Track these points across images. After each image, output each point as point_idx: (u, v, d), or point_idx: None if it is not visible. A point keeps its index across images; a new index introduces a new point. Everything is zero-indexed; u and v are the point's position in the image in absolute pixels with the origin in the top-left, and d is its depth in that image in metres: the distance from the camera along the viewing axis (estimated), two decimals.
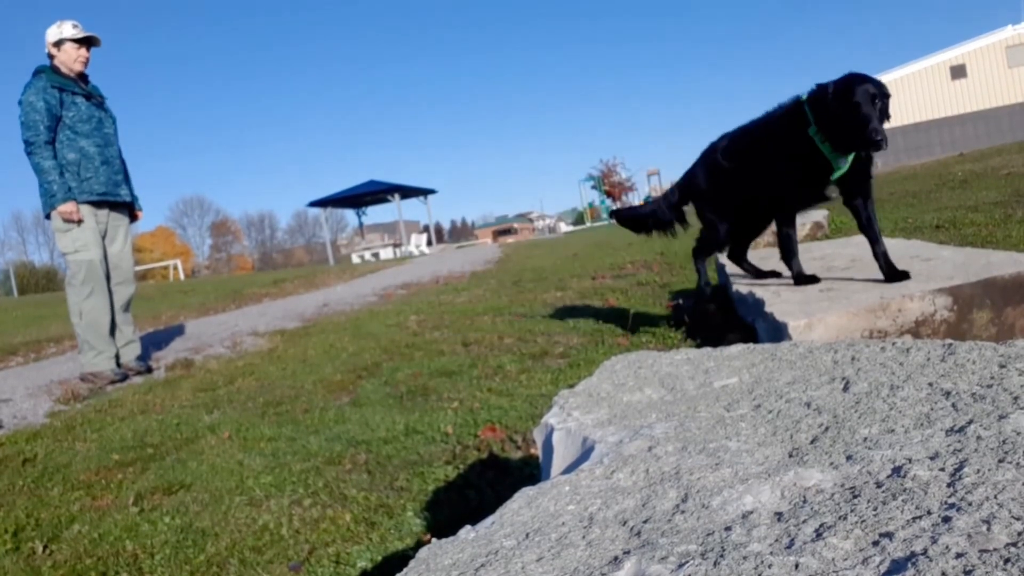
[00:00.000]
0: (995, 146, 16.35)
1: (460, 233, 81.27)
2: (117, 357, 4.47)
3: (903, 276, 2.61)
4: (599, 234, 16.44)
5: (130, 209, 4.59)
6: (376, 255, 30.71)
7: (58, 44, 4.22)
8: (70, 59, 4.22)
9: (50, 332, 7.50)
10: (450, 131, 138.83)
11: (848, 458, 0.83)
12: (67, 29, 4.23)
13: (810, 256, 3.56)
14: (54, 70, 4.22)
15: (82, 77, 4.35)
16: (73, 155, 4.18)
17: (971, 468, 0.73)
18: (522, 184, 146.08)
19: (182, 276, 29.00)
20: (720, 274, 4.56)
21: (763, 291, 2.94)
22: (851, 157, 2.71)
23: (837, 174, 2.74)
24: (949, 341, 1.25)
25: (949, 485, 0.71)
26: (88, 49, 4.31)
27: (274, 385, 3.98)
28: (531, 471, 2.26)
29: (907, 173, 11.23)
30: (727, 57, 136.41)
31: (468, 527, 0.89)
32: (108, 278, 4.39)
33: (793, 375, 1.23)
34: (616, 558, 0.70)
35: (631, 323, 4.00)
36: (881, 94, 2.59)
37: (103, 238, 4.37)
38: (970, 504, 0.65)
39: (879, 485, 0.74)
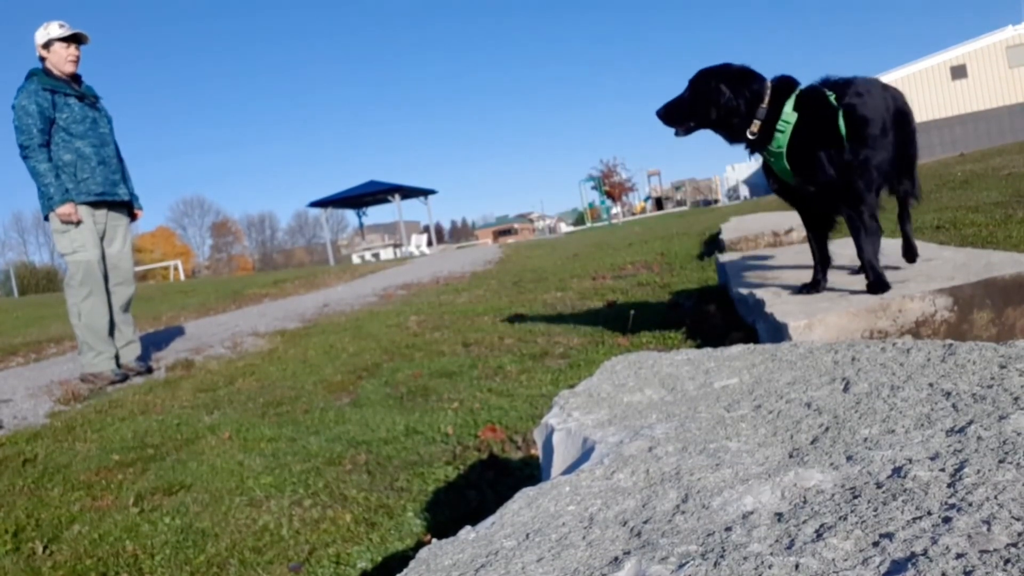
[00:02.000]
0: (996, 146, 16.35)
1: (460, 233, 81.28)
2: (117, 357, 4.47)
3: (881, 288, 2.51)
4: (599, 234, 16.44)
5: (129, 208, 4.59)
6: (376, 255, 30.72)
7: (47, 46, 4.20)
8: (60, 60, 4.21)
9: (50, 332, 7.50)
10: (450, 131, 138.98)
11: (848, 458, 0.83)
12: (53, 29, 4.21)
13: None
14: (46, 73, 4.21)
15: (75, 78, 4.34)
16: (69, 156, 4.18)
17: (971, 468, 0.73)
18: (522, 184, 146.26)
19: (182, 276, 29.00)
20: (720, 274, 4.56)
21: (763, 291, 2.94)
22: (772, 153, 2.62)
23: (778, 167, 2.66)
24: (949, 341, 1.25)
25: (949, 486, 0.71)
26: (77, 47, 4.29)
27: (274, 386, 3.98)
28: (531, 471, 2.26)
29: None
30: (727, 57, 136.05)
31: (468, 527, 0.89)
32: (107, 279, 4.39)
33: (793, 375, 1.23)
34: (616, 558, 0.70)
35: (631, 323, 4.00)
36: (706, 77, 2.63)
37: (102, 239, 4.37)
38: (970, 505, 0.65)
39: (879, 486, 0.74)
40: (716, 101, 2.59)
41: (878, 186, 2.71)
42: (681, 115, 2.71)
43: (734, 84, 2.59)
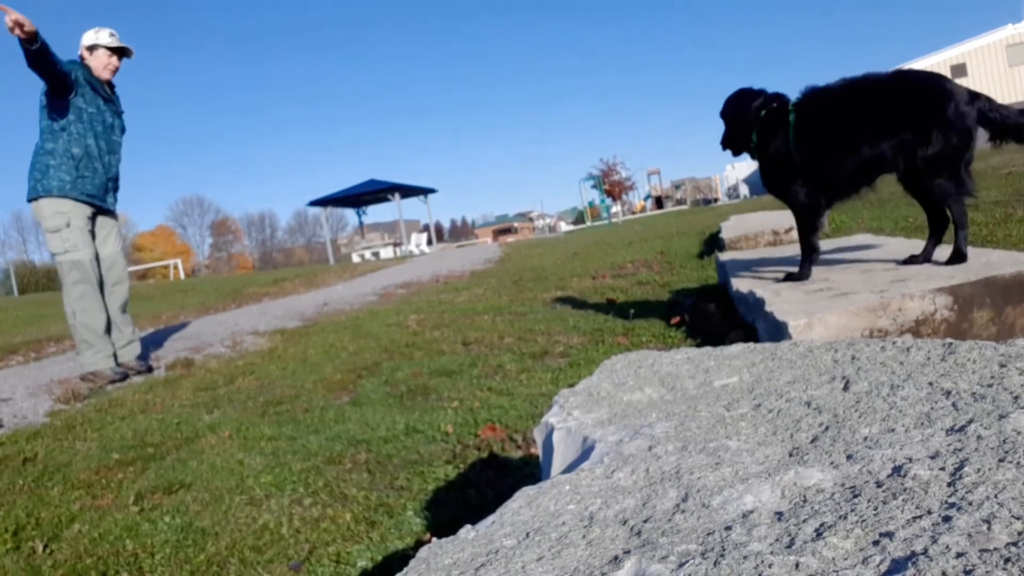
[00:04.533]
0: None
1: (460, 232, 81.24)
2: (116, 356, 4.47)
3: (798, 277, 3.05)
4: (599, 233, 16.44)
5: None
6: (376, 254, 30.68)
7: (92, 48, 4.24)
8: (100, 65, 4.25)
9: (50, 331, 7.50)
10: (450, 131, 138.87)
11: (848, 457, 0.83)
12: (104, 36, 4.24)
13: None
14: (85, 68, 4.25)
15: (108, 85, 4.36)
16: (78, 150, 4.18)
17: (971, 467, 0.73)
18: (522, 183, 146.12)
19: (182, 275, 28.97)
20: (720, 273, 4.56)
21: (763, 290, 2.94)
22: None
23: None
24: (949, 340, 1.25)
25: (949, 484, 0.71)
26: (120, 59, 4.34)
27: (274, 384, 3.98)
28: (531, 470, 2.26)
29: None
30: (727, 56, 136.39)
31: (468, 526, 0.89)
32: (102, 279, 4.40)
33: (793, 374, 1.23)
34: (616, 557, 0.70)
35: (631, 322, 4.00)
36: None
37: (94, 239, 4.37)
38: (970, 504, 0.65)
39: (879, 484, 0.74)
40: (729, 125, 3.19)
41: (837, 188, 2.97)
42: (730, 142, 3.24)
43: (736, 109, 3.15)
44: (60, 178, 4.15)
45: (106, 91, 4.31)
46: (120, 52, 4.32)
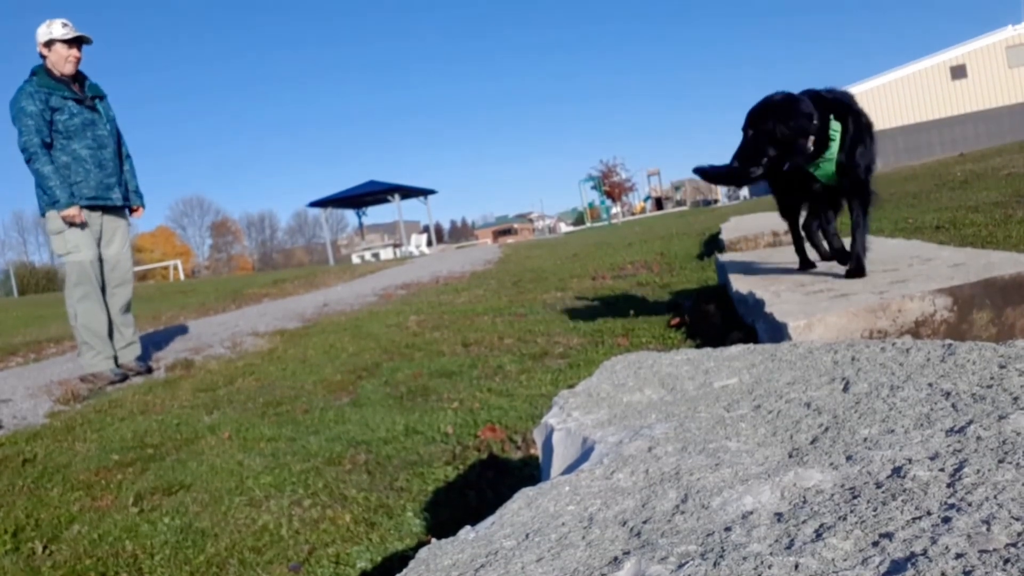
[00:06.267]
0: (995, 146, 16.35)
1: (460, 233, 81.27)
2: (116, 358, 4.47)
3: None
4: (599, 234, 16.44)
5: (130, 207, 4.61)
6: (376, 255, 30.68)
7: (48, 44, 4.18)
8: (60, 59, 4.19)
9: (50, 332, 7.50)
10: (450, 131, 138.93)
11: (848, 458, 0.83)
12: (56, 29, 4.18)
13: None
14: (47, 72, 4.20)
15: (77, 77, 4.33)
16: (65, 158, 4.19)
17: (971, 468, 0.73)
18: (522, 184, 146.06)
19: (182, 276, 29.00)
20: (720, 274, 4.56)
21: (763, 291, 2.94)
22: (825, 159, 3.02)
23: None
24: (949, 341, 1.25)
25: (949, 485, 0.71)
26: (79, 48, 4.27)
27: (274, 385, 3.98)
28: (531, 471, 2.26)
29: (907, 173, 11.24)
30: (727, 57, 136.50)
31: (468, 527, 0.89)
32: (105, 279, 4.40)
33: (793, 375, 1.23)
34: (616, 558, 0.70)
35: (631, 323, 4.00)
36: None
37: (99, 240, 4.37)
38: (970, 504, 0.65)
39: (879, 485, 0.74)
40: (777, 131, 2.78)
41: None
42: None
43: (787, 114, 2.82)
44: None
45: (72, 90, 4.25)
46: (77, 42, 4.25)
